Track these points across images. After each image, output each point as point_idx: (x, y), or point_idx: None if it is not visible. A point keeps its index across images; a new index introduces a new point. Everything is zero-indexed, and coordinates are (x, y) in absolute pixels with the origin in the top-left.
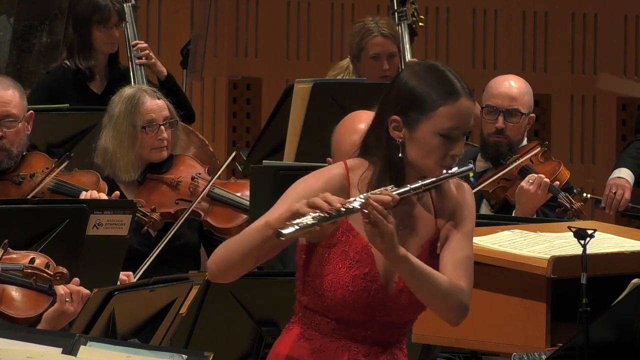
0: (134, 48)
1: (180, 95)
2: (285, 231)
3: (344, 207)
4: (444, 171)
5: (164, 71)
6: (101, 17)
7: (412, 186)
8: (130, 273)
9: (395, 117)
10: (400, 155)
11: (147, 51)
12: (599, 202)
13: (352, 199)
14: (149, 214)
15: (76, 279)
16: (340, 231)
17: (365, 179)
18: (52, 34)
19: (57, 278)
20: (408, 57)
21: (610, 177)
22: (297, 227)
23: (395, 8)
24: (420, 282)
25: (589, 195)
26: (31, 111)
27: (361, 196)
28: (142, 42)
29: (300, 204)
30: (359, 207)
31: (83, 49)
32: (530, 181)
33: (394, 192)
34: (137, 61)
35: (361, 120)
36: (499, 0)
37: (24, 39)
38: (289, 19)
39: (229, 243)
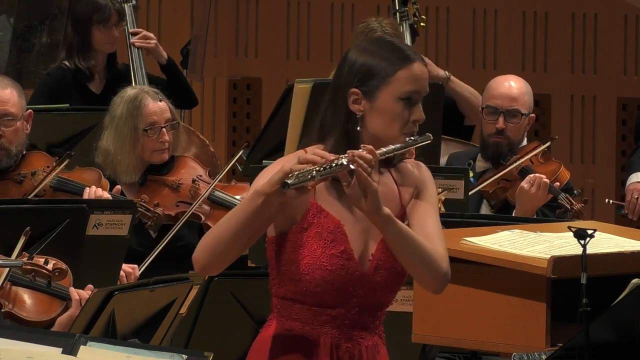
0: (133, 39)
1: (182, 79)
2: (290, 181)
3: (335, 163)
4: (407, 139)
5: (165, 55)
6: (101, 16)
7: (385, 149)
8: (135, 266)
9: (354, 89)
10: (358, 128)
11: (145, 33)
12: (621, 207)
13: (339, 156)
14: (152, 209)
15: (89, 286)
16: (310, 214)
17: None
18: (52, 34)
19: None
20: None
21: (628, 182)
22: (298, 177)
23: (397, 8)
24: (405, 245)
25: (611, 201)
26: (30, 110)
27: (345, 154)
28: (141, 34)
29: (291, 164)
30: (346, 163)
31: (83, 49)
32: (531, 182)
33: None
34: (137, 43)
35: None
36: (499, 0)
37: (24, 39)
38: (289, 19)
39: (214, 231)
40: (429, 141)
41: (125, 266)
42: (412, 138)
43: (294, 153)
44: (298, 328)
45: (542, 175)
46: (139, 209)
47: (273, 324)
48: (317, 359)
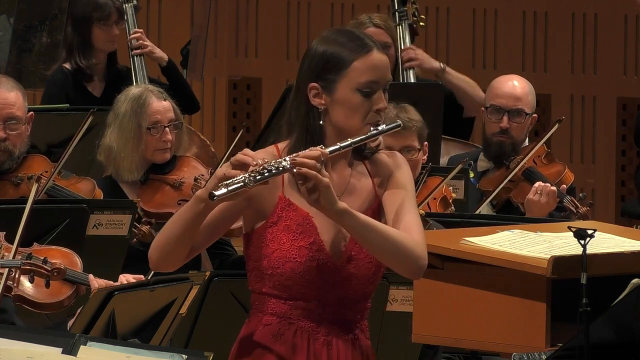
0: (130, 38)
1: (182, 82)
2: (217, 192)
3: (272, 167)
4: (372, 129)
5: (165, 57)
6: (101, 14)
7: (341, 144)
8: (141, 277)
9: (313, 83)
10: (321, 122)
11: (141, 41)
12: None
13: (281, 159)
14: (138, 225)
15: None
16: (279, 208)
17: (285, 152)
18: (52, 34)
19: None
20: None
21: None
22: (227, 187)
23: (396, 8)
24: (368, 235)
25: None
26: (31, 112)
27: (289, 157)
28: (137, 31)
29: (224, 168)
30: (289, 166)
31: (83, 48)
32: (538, 192)
33: (324, 149)
34: (134, 52)
35: None
36: (499, 0)
37: (24, 39)
38: (289, 19)
39: (164, 229)
40: (397, 129)
41: (130, 276)
42: (377, 128)
43: (260, 151)
44: (275, 322)
45: (547, 184)
46: None
47: (252, 319)
48: (293, 352)
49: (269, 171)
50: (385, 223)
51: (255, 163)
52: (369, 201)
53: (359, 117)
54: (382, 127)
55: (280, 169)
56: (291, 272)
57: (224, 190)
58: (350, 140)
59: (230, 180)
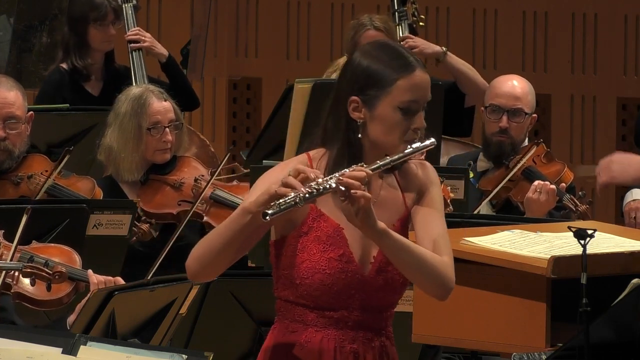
0: (128, 38)
1: (183, 79)
2: (270, 211)
3: (320, 186)
4: (408, 146)
5: (165, 52)
6: (98, 14)
7: (381, 162)
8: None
9: (354, 97)
10: (359, 136)
11: (139, 36)
12: None
13: (327, 178)
14: (138, 224)
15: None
16: (310, 218)
17: (323, 164)
18: (52, 34)
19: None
20: None
21: (625, 201)
22: (280, 207)
23: (396, 8)
24: (403, 257)
25: None
26: (31, 112)
27: (336, 174)
28: (132, 31)
29: (276, 186)
30: (335, 185)
31: (79, 48)
32: (538, 190)
33: (366, 168)
34: (132, 45)
35: None
36: (499, 0)
37: (24, 39)
38: (289, 19)
39: (205, 240)
40: (431, 147)
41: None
42: (412, 146)
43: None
44: (301, 330)
45: (546, 182)
46: None
47: (278, 326)
48: None
49: (317, 190)
50: (412, 235)
51: (314, 177)
52: (399, 213)
53: (397, 134)
54: (417, 144)
55: (328, 187)
56: (320, 283)
57: (276, 210)
58: (389, 159)
59: (282, 200)
